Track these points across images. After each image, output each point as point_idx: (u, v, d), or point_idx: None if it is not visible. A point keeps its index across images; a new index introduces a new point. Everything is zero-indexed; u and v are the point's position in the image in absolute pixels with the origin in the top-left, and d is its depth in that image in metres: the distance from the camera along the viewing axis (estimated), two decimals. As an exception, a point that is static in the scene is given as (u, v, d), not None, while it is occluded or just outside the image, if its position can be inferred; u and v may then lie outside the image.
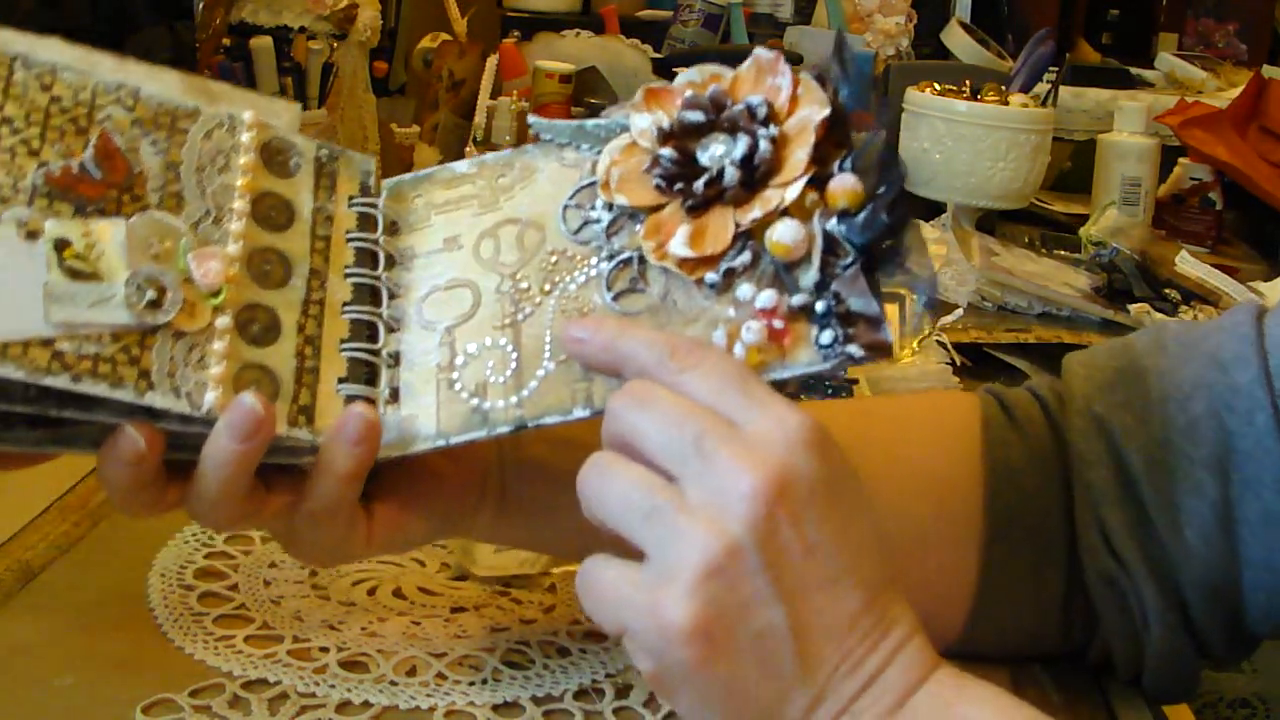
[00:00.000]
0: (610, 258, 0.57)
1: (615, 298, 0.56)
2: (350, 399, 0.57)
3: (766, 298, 0.54)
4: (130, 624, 0.66)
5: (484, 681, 0.63)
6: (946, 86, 1.53)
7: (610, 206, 0.58)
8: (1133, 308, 1.32)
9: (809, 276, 0.54)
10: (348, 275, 0.60)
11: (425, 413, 0.57)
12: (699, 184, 0.55)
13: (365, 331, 0.59)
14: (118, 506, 0.56)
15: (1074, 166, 1.84)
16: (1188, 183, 1.78)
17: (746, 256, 0.55)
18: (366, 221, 0.62)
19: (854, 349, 0.52)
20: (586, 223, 0.58)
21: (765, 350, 0.53)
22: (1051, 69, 1.70)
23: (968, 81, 1.55)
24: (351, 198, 0.62)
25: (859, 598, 0.49)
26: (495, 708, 0.62)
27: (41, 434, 0.53)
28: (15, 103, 0.55)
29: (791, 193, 0.54)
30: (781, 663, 0.48)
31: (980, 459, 0.65)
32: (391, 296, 0.60)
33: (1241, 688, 1.40)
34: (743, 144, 0.55)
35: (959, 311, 1.19)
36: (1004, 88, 1.54)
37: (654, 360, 0.51)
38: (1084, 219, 1.56)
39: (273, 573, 0.72)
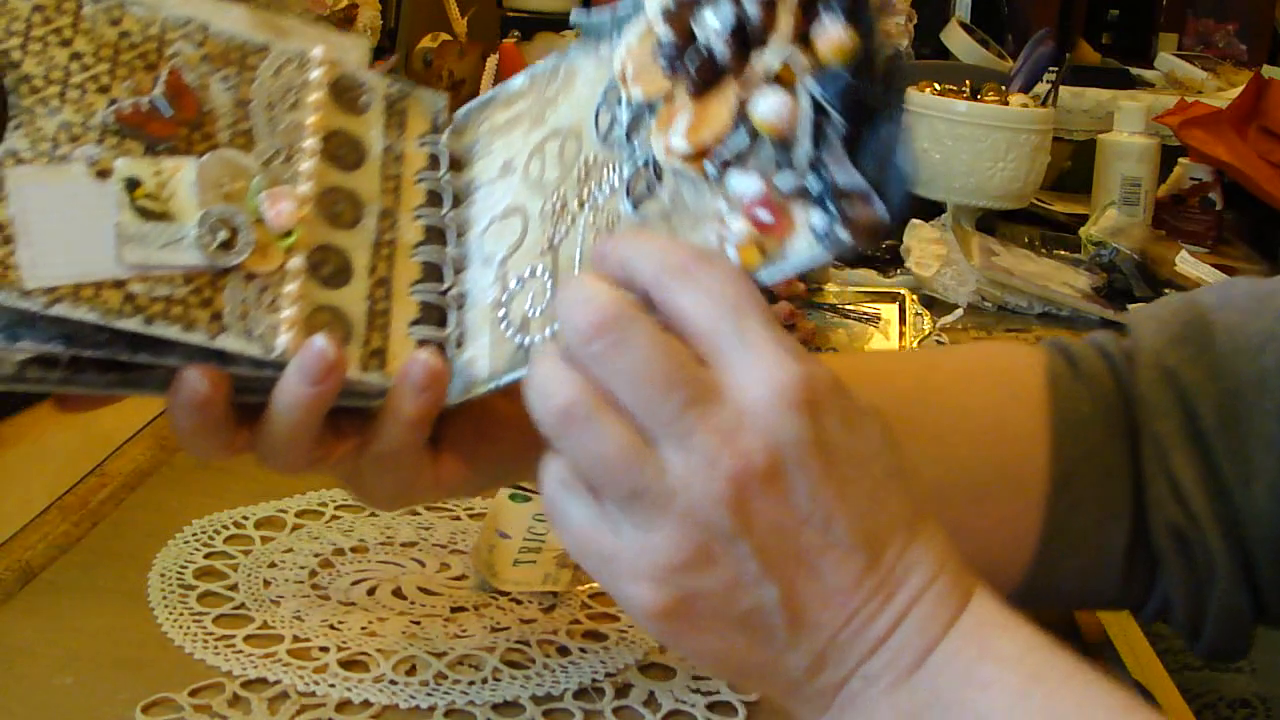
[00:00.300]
0: (630, 160, 0.52)
1: (635, 205, 0.52)
2: (422, 342, 0.55)
3: (749, 185, 0.48)
4: (130, 624, 0.66)
5: (484, 681, 0.63)
6: (946, 86, 1.53)
7: (630, 102, 0.53)
8: (1132, 308, 1.32)
9: (801, 153, 0.48)
10: (418, 217, 0.59)
11: (482, 354, 0.55)
12: (691, 63, 0.50)
13: (436, 273, 0.58)
14: (186, 449, 0.54)
15: (1074, 166, 1.84)
16: (1188, 183, 1.78)
17: (743, 140, 0.49)
18: (435, 161, 0.60)
19: (841, 231, 0.47)
20: (613, 123, 0.54)
21: (757, 247, 0.48)
22: (1051, 69, 1.70)
23: (968, 81, 1.55)
24: (421, 136, 0.61)
25: (862, 558, 0.46)
26: (495, 707, 0.62)
27: (112, 377, 0.52)
28: (85, 37, 0.54)
29: (771, 57, 0.48)
30: (773, 633, 0.47)
31: (1046, 411, 0.64)
32: (459, 235, 0.58)
33: (1241, 688, 1.40)
34: (727, 11, 0.49)
35: (959, 311, 1.19)
36: (1004, 88, 1.54)
37: (650, 277, 0.47)
38: (1084, 219, 1.56)
39: (273, 573, 0.72)
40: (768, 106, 0.48)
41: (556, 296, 0.48)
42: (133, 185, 0.52)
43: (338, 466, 0.57)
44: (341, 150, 0.57)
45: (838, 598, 0.47)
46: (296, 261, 0.54)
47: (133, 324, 0.50)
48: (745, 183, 0.48)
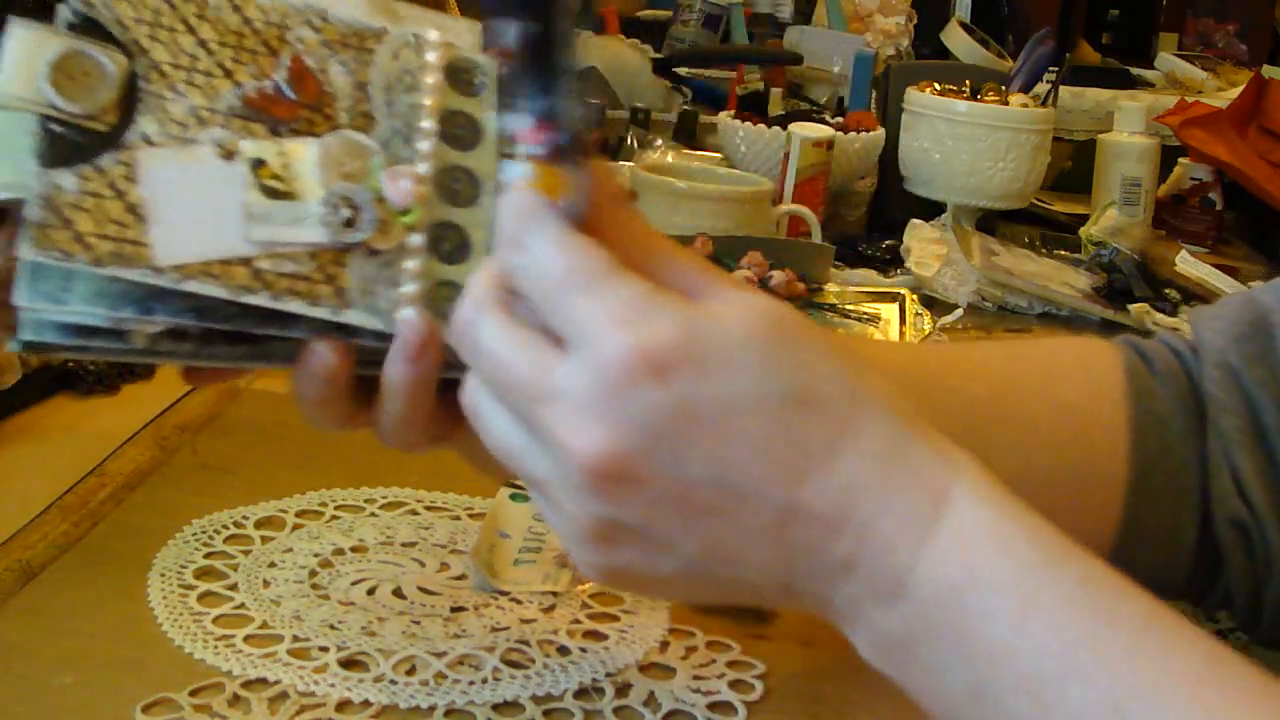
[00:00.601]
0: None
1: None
2: None
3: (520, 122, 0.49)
4: (130, 624, 0.66)
5: (484, 681, 0.63)
6: (946, 86, 1.54)
7: None
8: (1133, 308, 1.32)
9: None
10: None
11: None
12: None
13: None
14: (309, 420, 0.55)
15: (1074, 166, 1.84)
16: (1188, 183, 1.78)
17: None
18: None
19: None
20: None
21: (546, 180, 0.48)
22: (1051, 69, 1.70)
23: (968, 81, 1.55)
24: None
25: (779, 493, 0.45)
26: (495, 707, 0.62)
27: (241, 350, 0.54)
28: (210, 25, 0.56)
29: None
30: (716, 581, 0.47)
31: (1126, 406, 0.65)
32: None
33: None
34: None
35: (959, 311, 1.19)
36: (1004, 88, 1.54)
37: (500, 252, 0.49)
38: (1084, 219, 1.56)
39: (273, 573, 0.72)
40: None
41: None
42: (258, 165, 0.54)
43: (462, 445, 0.56)
44: (458, 130, 0.58)
45: (766, 541, 0.46)
46: (417, 238, 0.55)
47: (260, 299, 0.52)
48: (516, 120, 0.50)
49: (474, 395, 0.50)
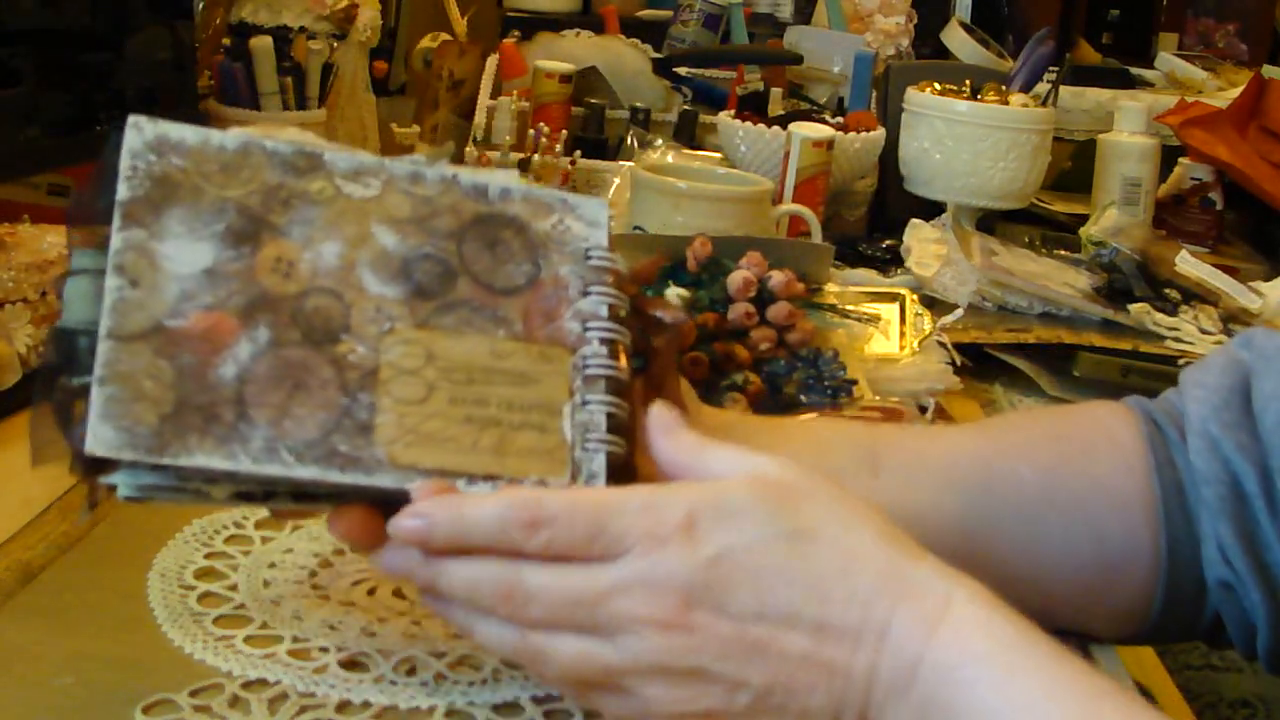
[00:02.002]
0: None
1: None
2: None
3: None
4: (130, 624, 0.66)
5: (484, 681, 0.63)
6: (946, 86, 1.53)
7: None
8: (1133, 308, 1.32)
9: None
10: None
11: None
12: None
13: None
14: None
15: (1074, 166, 1.84)
16: (1188, 183, 1.78)
17: None
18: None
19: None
20: None
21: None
22: (1051, 69, 1.70)
23: (968, 81, 1.55)
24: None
25: (809, 620, 0.52)
26: (495, 708, 0.62)
27: (300, 502, 0.58)
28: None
29: None
30: (777, 713, 0.53)
31: (1153, 478, 0.68)
32: None
33: (1242, 688, 1.40)
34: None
35: (959, 311, 1.19)
36: (1004, 88, 1.54)
37: (498, 532, 0.54)
38: (1084, 219, 1.56)
39: (273, 573, 0.72)
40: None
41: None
42: None
43: None
44: None
45: (806, 663, 0.52)
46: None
47: (309, 473, 0.55)
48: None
49: (533, 640, 0.54)
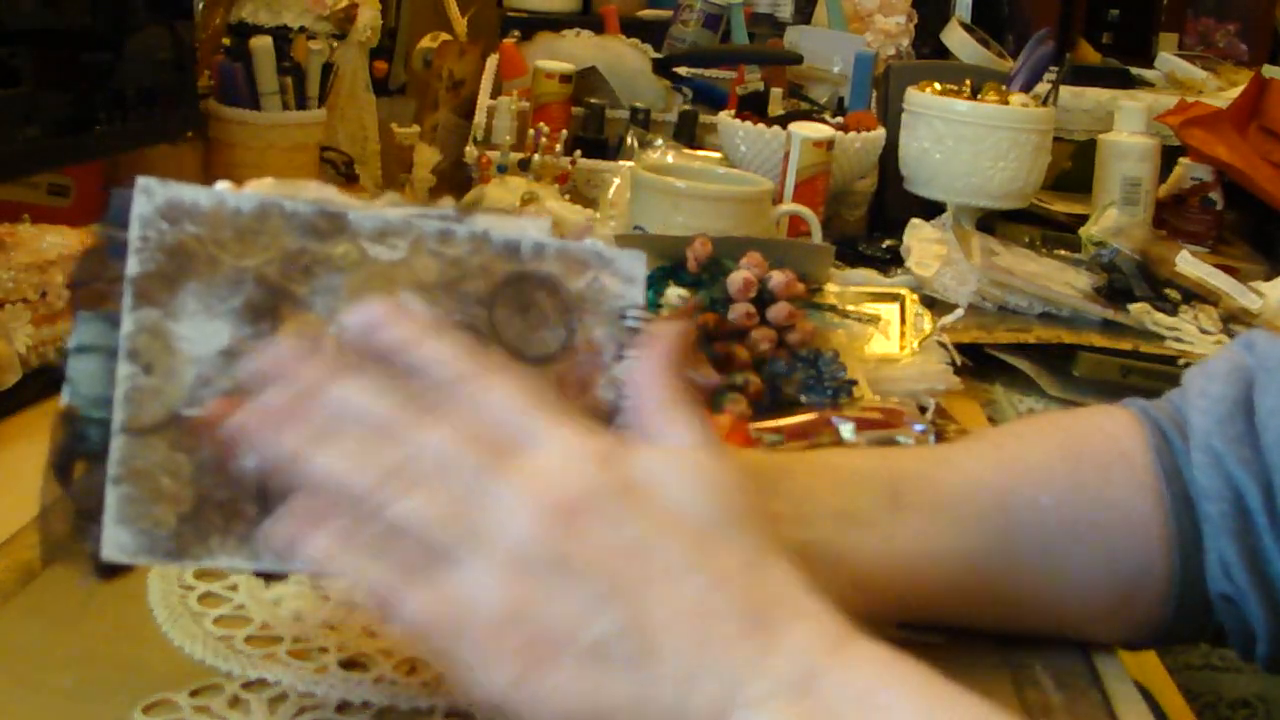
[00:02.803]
0: None
1: None
2: None
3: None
4: (130, 624, 0.66)
5: (484, 681, 0.63)
6: (946, 86, 1.53)
7: None
8: (1133, 308, 1.32)
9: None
10: None
11: None
12: None
13: None
14: None
15: (1074, 166, 1.84)
16: (1188, 183, 1.78)
17: None
18: None
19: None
20: None
21: None
22: (1051, 69, 1.70)
23: (968, 81, 1.55)
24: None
25: (703, 579, 0.48)
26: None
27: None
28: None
29: None
30: (628, 662, 0.47)
31: (1163, 494, 0.68)
32: None
33: (1242, 688, 1.40)
34: None
35: (959, 311, 1.19)
36: (1004, 87, 1.54)
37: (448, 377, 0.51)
38: (1084, 219, 1.56)
39: (273, 573, 0.72)
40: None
41: None
42: None
43: None
44: None
45: (687, 620, 0.47)
46: None
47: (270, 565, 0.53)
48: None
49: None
